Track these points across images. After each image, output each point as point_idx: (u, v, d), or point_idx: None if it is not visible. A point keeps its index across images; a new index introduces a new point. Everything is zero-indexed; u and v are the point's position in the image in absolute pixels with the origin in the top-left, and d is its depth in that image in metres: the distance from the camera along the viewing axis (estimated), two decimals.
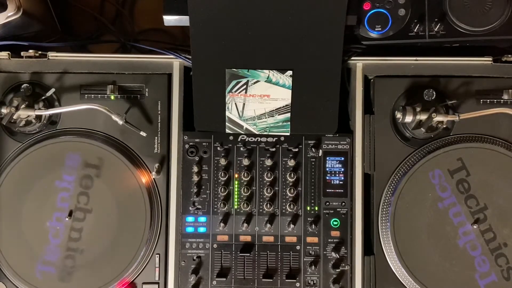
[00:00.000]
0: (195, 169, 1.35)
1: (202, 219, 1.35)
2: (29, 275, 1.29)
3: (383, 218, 1.32)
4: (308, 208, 1.35)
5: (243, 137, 1.36)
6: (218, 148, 1.36)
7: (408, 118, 1.30)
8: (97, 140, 1.32)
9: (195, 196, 1.35)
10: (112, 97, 1.35)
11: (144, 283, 1.33)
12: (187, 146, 1.36)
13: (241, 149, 1.36)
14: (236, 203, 1.35)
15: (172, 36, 1.78)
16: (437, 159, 1.31)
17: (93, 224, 1.30)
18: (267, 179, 1.36)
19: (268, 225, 1.34)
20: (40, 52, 1.36)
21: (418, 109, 1.30)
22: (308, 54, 1.30)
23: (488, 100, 1.35)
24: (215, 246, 1.34)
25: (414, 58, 1.36)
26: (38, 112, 1.29)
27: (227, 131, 1.36)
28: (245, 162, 1.35)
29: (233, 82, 1.32)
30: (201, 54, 1.30)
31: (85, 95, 1.36)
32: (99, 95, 1.35)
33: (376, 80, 1.36)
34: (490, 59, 1.36)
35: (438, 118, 1.28)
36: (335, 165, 1.36)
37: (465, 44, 1.36)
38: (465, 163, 1.31)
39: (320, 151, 1.36)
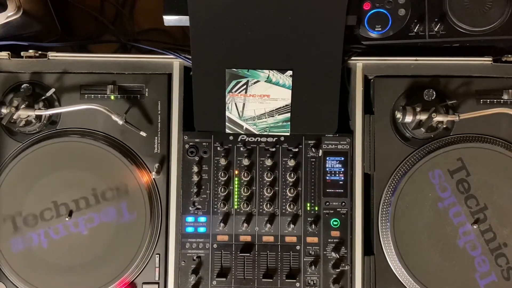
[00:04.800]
0: (195, 169, 1.35)
1: (202, 219, 1.35)
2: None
3: (383, 218, 1.32)
4: (308, 208, 1.35)
5: (243, 137, 1.36)
6: (218, 148, 1.36)
7: (408, 118, 1.30)
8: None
9: (195, 196, 1.35)
10: (112, 97, 1.35)
11: (144, 283, 1.33)
12: (187, 146, 1.36)
13: (241, 149, 1.36)
14: (236, 203, 1.35)
15: (172, 36, 1.78)
16: (437, 159, 1.31)
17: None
18: (267, 179, 1.36)
19: (268, 225, 1.34)
20: (40, 52, 1.36)
21: (418, 109, 1.30)
22: (308, 54, 1.30)
23: (488, 100, 1.35)
24: (215, 246, 1.34)
25: (414, 58, 1.36)
26: (38, 112, 1.29)
27: (227, 131, 1.36)
28: (245, 162, 1.35)
29: (233, 82, 1.32)
30: (201, 54, 1.31)
31: (85, 95, 1.36)
32: (99, 95, 1.35)
33: (376, 80, 1.36)
34: (490, 59, 1.36)
35: (438, 118, 1.28)
36: (335, 165, 1.36)
37: (465, 44, 1.36)
38: (465, 163, 1.31)
39: (320, 151, 1.36)
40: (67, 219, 1.29)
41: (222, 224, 1.34)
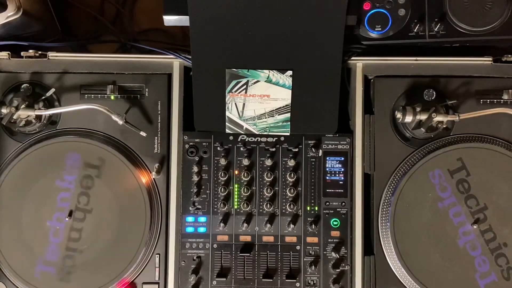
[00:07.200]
0: (195, 169, 1.35)
1: (202, 219, 1.35)
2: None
3: (383, 218, 1.32)
4: (308, 208, 1.35)
5: (243, 137, 1.36)
6: (218, 148, 1.36)
7: (408, 118, 1.30)
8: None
9: (195, 196, 1.35)
10: (112, 97, 1.35)
11: (144, 283, 1.33)
12: (187, 146, 1.36)
13: (241, 149, 1.36)
14: (236, 203, 1.35)
15: (172, 36, 1.78)
16: (437, 159, 1.31)
17: (93, 224, 1.30)
18: (267, 179, 1.36)
19: (268, 225, 1.34)
20: (40, 52, 1.36)
21: (418, 109, 1.30)
22: (308, 54, 1.30)
23: (488, 100, 1.35)
24: (215, 246, 1.34)
25: (414, 58, 1.36)
26: (38, 112, 1.29)
27: (227, 131, 1.36)
28: (245, 162, 1.35)
29: (233, 82, 1.33)
30: (201, 54, 1.31)
31: (85, 95, 1.36)
32: (99, 95, 1.35)
33: (376, 80, 1.36)
34: (490, 59, 1.36)
35: (438, 118, 1.28)
36: (335, 165, 1.36)
37: (465, 44, 1.36)
38: (465, 163, 1.31)
39: (320, 151, 1.36)
40: (67, 219, 1.29)
41: (222, 224, 1.34)
